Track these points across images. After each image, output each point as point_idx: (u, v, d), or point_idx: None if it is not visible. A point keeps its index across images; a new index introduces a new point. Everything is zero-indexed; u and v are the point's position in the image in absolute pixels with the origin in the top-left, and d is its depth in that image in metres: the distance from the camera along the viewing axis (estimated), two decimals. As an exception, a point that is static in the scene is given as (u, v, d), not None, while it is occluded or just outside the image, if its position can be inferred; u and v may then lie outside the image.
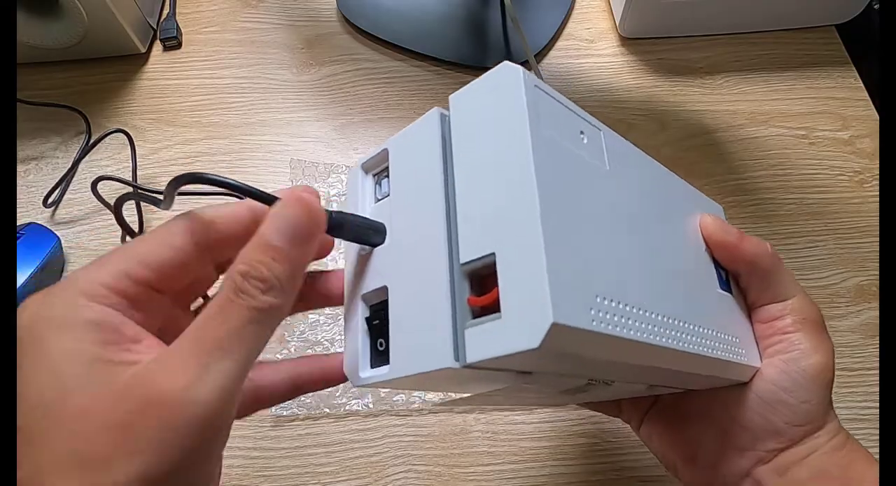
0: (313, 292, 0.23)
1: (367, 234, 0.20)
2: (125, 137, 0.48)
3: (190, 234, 0.19)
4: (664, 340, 0.20)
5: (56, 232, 0.45)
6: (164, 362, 0.16)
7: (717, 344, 0.23)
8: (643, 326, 0.19)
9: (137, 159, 0.48)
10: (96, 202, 0.47)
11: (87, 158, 0.48)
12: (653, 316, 0.20)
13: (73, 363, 0.16)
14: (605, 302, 0.18)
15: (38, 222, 0.45)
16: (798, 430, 0.26)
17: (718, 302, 0.25)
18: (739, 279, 0.28)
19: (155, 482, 0.15)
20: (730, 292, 0.27)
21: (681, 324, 0.21)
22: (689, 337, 0.21)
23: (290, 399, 0.23)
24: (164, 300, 0.19)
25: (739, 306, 0.27)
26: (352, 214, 0.20)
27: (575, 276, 0.17)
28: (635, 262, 0.20)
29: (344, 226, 0.19)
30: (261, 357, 0.18)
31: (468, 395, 0.23)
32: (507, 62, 0.18)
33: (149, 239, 0.19)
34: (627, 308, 0.18)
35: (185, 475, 0.16)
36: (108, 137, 0.47)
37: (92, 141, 0.48)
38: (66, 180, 0.47)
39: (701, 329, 0.22)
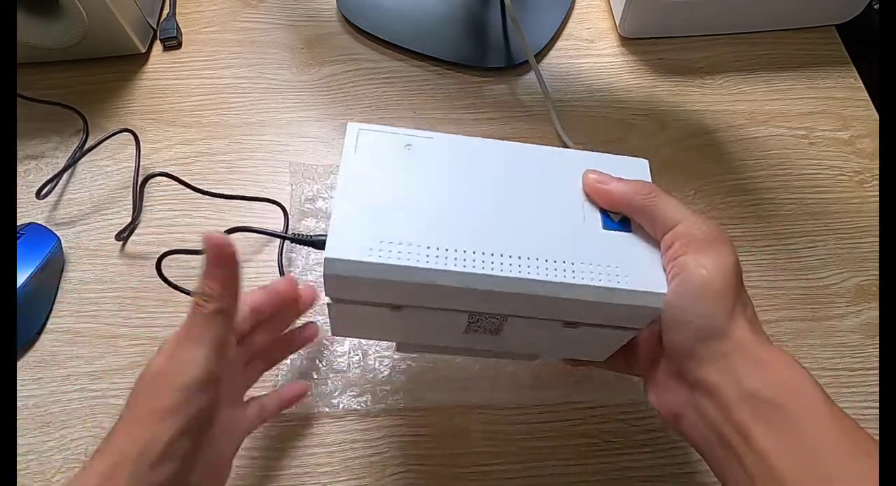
0: (295, 339, 0.38)
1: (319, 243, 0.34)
2: (125, 137, 0.47)
3: (249, 307, 0.34)
4: (478, 269, 0.27)
5: (56, 232, 0.45)
6: (177, 354, 0.29)
7: (574, 273, 0.28)
8: (439, 259, 0.27)
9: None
10: (96, 202, 0.47)
11: (87, 157, 0.48)
12: (465, 252, 0.27)
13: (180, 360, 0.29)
14: (391, 243, 0.27)
15: (39, 222, 0.45)
16: (704, 346, 0.27)
17: (599, 241, 0.29)
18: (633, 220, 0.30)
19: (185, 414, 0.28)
20: (625, 230, 0.30)
21: (513, 257, 0.27)
22: (519, 267, 0.27)
23: (285, 409, 0.37)
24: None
25: (642, 242, 0.30)
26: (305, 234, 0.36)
27: (358, 232, 0.27)
28: (453, 217, 0.28)
29: (302, 240, 0.36)
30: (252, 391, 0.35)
31: (405, 342, 0.35)
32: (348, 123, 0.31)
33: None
34: (421, 247, 0.27)
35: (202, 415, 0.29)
36: (109, 136, 0.47)
37: (97, 140, 0.47)
38: (62, 175, 0.47)
39: (549, 262, 0.28)
